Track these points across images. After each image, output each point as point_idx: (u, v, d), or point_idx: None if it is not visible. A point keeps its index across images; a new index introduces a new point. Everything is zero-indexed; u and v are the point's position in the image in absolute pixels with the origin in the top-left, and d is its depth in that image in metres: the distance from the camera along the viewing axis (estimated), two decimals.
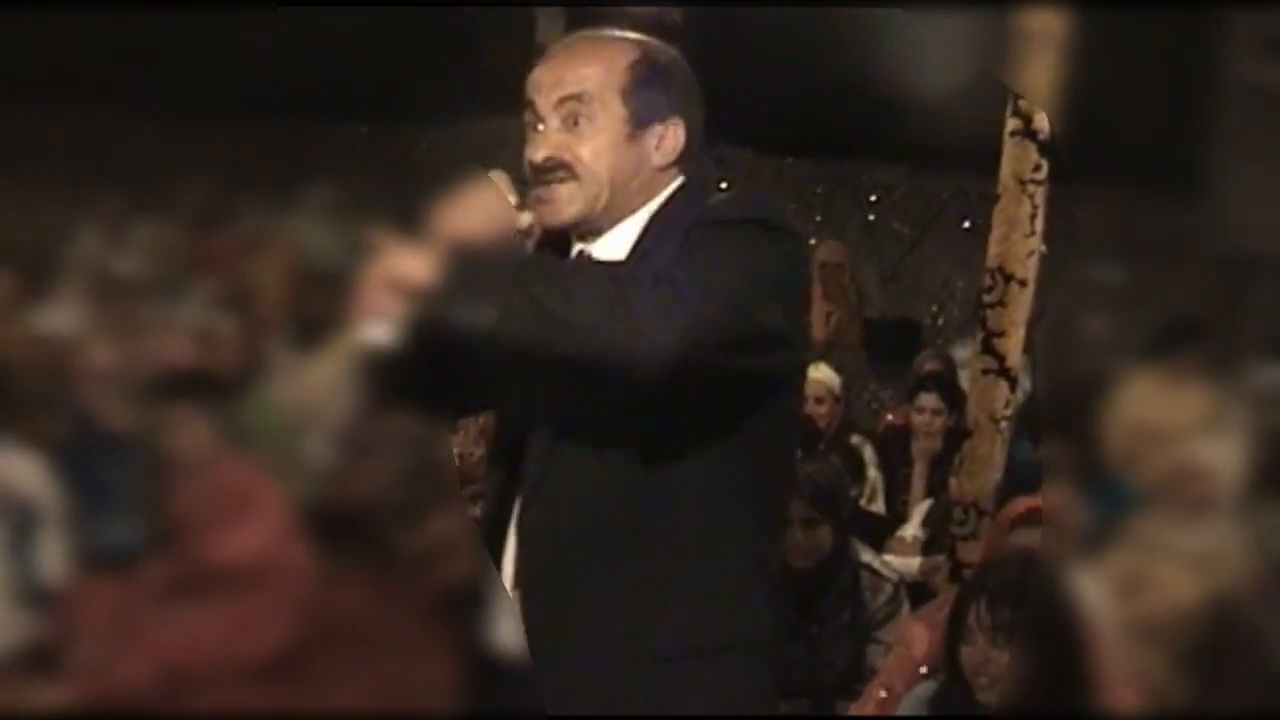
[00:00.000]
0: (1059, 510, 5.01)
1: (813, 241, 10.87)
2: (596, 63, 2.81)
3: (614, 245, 2.85)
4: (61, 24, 3.60)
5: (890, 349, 9.80)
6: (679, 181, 2.88)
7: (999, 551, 4.70)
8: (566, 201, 2.80)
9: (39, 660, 2.89)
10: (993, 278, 5.77)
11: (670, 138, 2.84)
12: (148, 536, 3.02)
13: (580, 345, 2.56)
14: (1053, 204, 5.74)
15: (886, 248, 11.53)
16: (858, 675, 5.29)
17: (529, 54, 8.86)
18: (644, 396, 2.64)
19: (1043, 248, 5.79)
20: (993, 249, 5.80)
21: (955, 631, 4.00)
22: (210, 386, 3.21)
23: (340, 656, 2.97)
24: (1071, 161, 5.70)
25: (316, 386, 3.27)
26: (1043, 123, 5.67)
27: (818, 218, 11.45)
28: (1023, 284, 5.74)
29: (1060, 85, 5.54)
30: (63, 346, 3.21)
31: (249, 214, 3.65)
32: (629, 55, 2.82)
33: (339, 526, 3.05)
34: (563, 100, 2.80)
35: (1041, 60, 5.57)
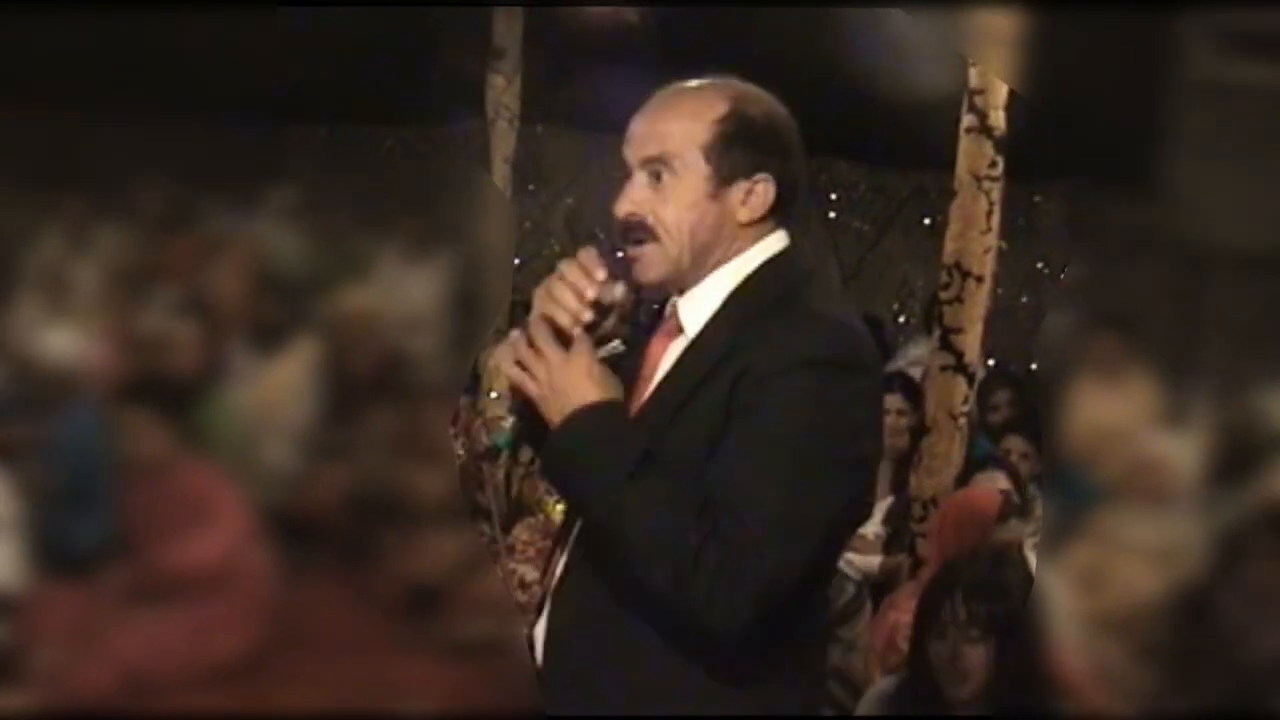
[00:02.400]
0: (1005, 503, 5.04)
1: None
2: (682, 118, 2.83)
3: (700, 301, 2.86)
4: (21, 26, 3.58)
5: None
6: (774, 239, 2.88)
7: (965, 545, 4.70)
8: (651, 263, 2.84)
9: None
10: (950, 274, 5.79)
11: (758, 194, 2.84)
12: (108, 542, 3.02)
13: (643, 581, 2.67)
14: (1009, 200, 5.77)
15: (847, 245, 11.56)
16: None
17: (485, 56, 8.87)
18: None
19: (1001, 243, 5.82)
20: (949, 245, 5.81)
21: (923, 626, 3.97)
22: (170, 391, 3.20)
23: (303, 659, 2.97)
24: (1029, 158, 5.73)
25: (277, 390, 3.27)
26: (999, 119, 5.69)
27: None
28: (979, 280, 5.76)
29: (1016, 83, 5.56)
30: (21, 352, 3.20)
31: (209, 217, 3.64)
32: (717, 110, 2.83)
33: (300, 530, 3.05)
34: (648, 159, 2.83)
35: (996, 58, 5.58)
